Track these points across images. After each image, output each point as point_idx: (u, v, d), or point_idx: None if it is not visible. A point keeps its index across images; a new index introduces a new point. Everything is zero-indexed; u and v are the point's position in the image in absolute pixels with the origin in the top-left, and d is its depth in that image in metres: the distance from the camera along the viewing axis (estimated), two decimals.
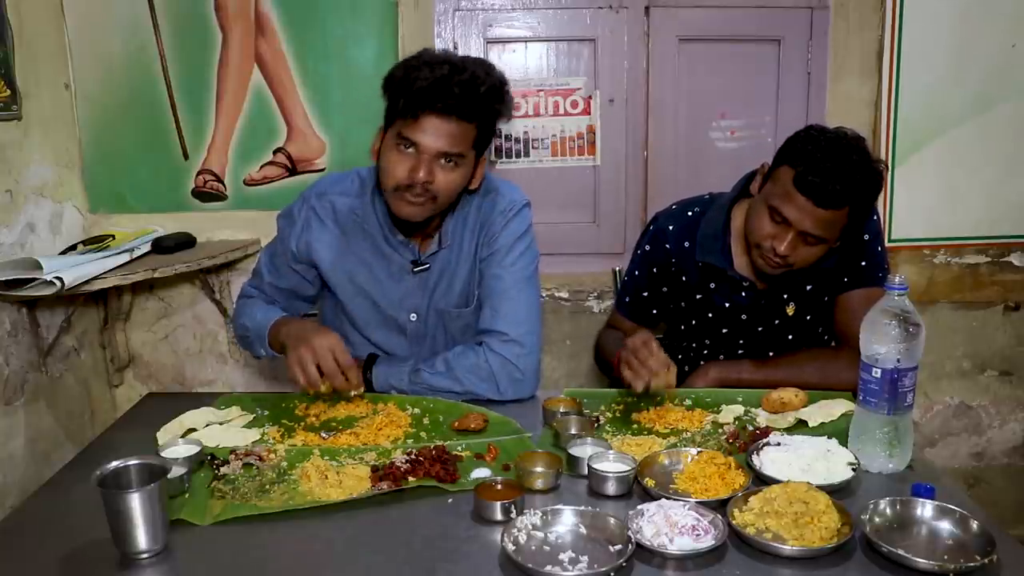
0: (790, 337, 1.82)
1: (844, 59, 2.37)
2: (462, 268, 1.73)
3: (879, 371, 1.29)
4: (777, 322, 1.80)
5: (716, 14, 2.36)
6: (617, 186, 2.43)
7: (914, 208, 2.44)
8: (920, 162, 2.41)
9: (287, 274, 1.78)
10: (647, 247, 1.86)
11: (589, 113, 2.40)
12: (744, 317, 1.81)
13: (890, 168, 2.40)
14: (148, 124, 2.30)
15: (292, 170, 2.35)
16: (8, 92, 1.96)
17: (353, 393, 1.57)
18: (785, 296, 1.78)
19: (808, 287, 1.76)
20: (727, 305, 1.80)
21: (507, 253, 1.70)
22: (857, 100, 2.39)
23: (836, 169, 1.53)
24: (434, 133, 1.51)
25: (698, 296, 1.83)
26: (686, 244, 1.81)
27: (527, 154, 2.40)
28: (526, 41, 2.36)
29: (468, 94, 1.50)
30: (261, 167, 2.35)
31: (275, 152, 2.34)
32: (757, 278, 1.76)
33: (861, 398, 1.34)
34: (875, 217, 1.75)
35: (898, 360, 1.28)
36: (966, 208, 2.46)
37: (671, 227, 1.83)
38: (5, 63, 1.95)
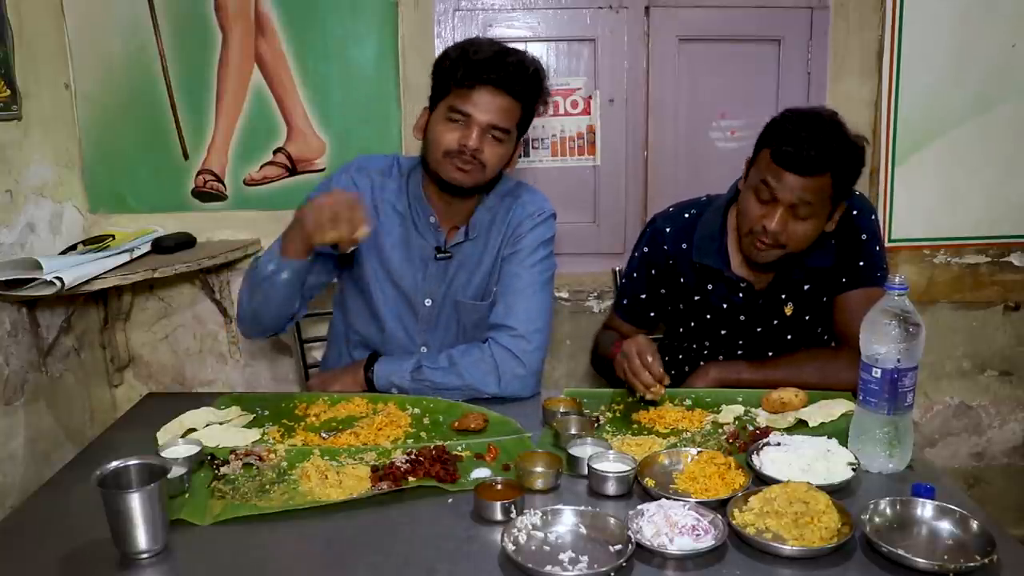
0: (789, 337, 1.82)
1: (844, 59, 2.37)
2: (484, 263, 1.78)
3: (879, 371, 1.29)
4: (776, 323, 1.80)
5: (716, 14, 2.36)
6: (617, 186, 2.43)
7: (914, 208, 2.44)
8: (920, 162, 2.41)
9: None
10: (645, 249, 1.87)
11: (589, 113, 2.40)
12: (742, 318, 1.81)
13: (890, 168, 2.40)
14: (148, 124, 2.30)
15: (292, 170, 2.35)
16: (8, 92, 1.96)
17: (360, 233, 1.50)
18: (783, 296, 1.78)
19: (806, 287, 1.76)
20: (725, 306, 1.81)
21: (529, 255, 1.75)
22: (857, 100, 2.39)
23: (810, 137, 1.56)
24: (486, 106, 1.62)
25: (696, 297, 1.83)
26: (683, 246, 1.81)
27: (527, 154, 2.40)
28: (526, 41, 2.36)
29: (519, 72, 1.64)
30: (261, 167, 2.35)
31: (275, 152, 2.34)
32: (752, 267, 1.75)
33: (861, 398, 1.34)
34: (872, 217, 1.75)
35: (898, 360, 1.28)
36: (966, 208, 2.46)
37: (668, 229, 1.84)
38: (5, 63, 1.95)
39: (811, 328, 1.82)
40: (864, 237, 1.73)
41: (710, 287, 1.81)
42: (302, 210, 1.54)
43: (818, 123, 1.59)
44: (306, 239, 1.54)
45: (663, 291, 1.87)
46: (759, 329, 1.81)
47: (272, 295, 1.64)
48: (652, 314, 1.90)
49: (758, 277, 1.77)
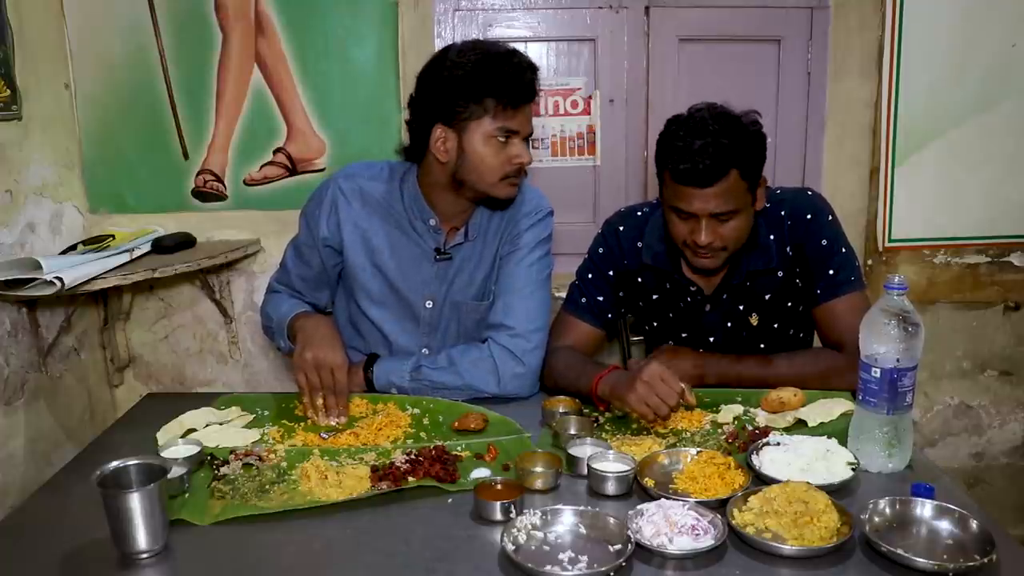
0: (762, 345, 1.80)
1: (844, 59, 2.37)
2: (484, 262, 1.77)
3: (878, 371, 1.29)
4: (744, 334, 1.79)
5: (716, 14, 2.36)
6: (617, 186, 2.43)
7: (914, 208, 2.44)
8: (920, 162, 2.41)
9: (314, 262, 1.80)
10: (600, 250, 1.84)
11: (589, 113, 2.40)
12: (701, 321, 1.80)
13: (890, 168, 2.40)
14: (148, 124, 2.30)
15: (292, 170, 2.35)
16: (8, 92, 1.96)
17: (333, 420, 1.56)
18: (741, 307, 1.77)
19: (767, 296, 1.75)
20: (682, 305, 1.80)
21: (528, 253, 1.75)
22: (857, 100, 2.39)
23: (701, 146, 1.53)
24: (527, 120, 1.65)
25: (655, 296, 1.83)
26: (638, 244, 1.80)
27: None
28: (526, 41, 2.36)
29: (536, 78, 1.65)
30: (261, 167, 2.35)
31: (275, 152, 2.34)
32: (699, 274, 1.74)
33: (861, 398, 1.34)
34: (830, 217, 1.72)
35: (897, 360, 1.28)
36: (966, 208, 2.46)
37: (621, 228, 1.83)
38: (5, 63, 1.95)
39: (782, 333, 1.80)
40: (825, 242, 1.69)
41: (668, 286, 1.80)
42: (301, 355, 1.58)
43: (703, 128, 1.55)
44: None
45: (622, 294, 1.85)
46: (721, 333, 1.80)
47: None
48: (610, 315, 1.85)
49: (707, 282, 1.76)
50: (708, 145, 1.53)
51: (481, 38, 2.31)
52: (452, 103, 1.59)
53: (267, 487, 1.29)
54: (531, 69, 1.63)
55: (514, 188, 1.68)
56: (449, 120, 1.61)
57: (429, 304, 1.78)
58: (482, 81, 1.57)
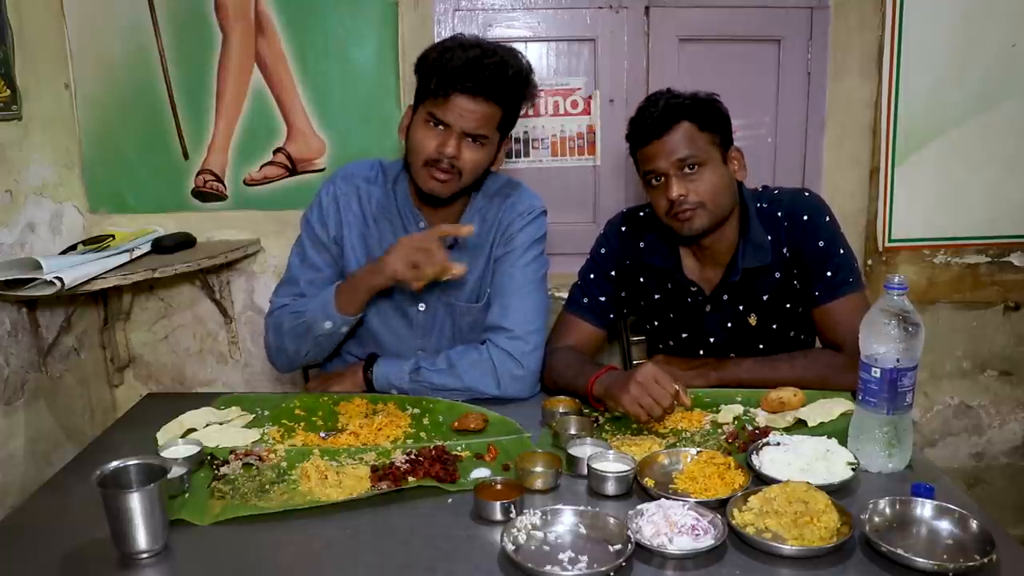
0: (761, 346, 1.81)
1: (844, 59, 2.37)
2: (476, 264, 1.77)
3: (878, 371, 1.29)
4: (743, 334, 1.79)
5: (716, 14, 2.36)
6: (617, 186, 2.43)
7: (914, 208, 2.43)
8: (920, 162, 2.41)
9: (324, 263, 1.79)
10: (602, 250, 1.85)
11: (589, 113, 2.40)
12: (701, 321, 1.80)
13: (890, 168, 2.40)
14: (148, 124, 2.30)
15: (292, 170, 2.35)
16: (8, 92, 1.96)
17: (454, 271, 1.57)
18: (741, 308, 1.77)
19: (765, 297, 1.75)
20: (682, 305, 1.80)
21: (522, 254, 1.75)
22: (857, 100, 2.39)
23: (651, 104, 1.67)
24: (462, 112, 1.59)
25: (656, 296, 1.83)
26: (641, 245, 1.81)
27: (527, 154, 2.40)
28: (526, 41, 2.36)
29: (497, 76, 1.59)
30: (261, 167, 2.35)
31: (275, 152, 2.34)
32: (700, 262, 1.77)
33: (860, 398, 1.34)
34: (827, 218, 1.72)
35: (897, 360, 1.28)
36: (966, 208, 2.45)
37: (624, 228, 1.84)
38: (5, 63, 1.95)
39: (782, 334, 1.80)
40: (822, 244, 1.69)
41: (669, 286, 1.80)
42: (383, 260, 1.60)
43: (652, 97, 1.70)
44: (384, 284, 1.63)
45: (624, 293, 1.85)
46: (721, 335, 1.80)
47: (328, 345, 1.76)
48: (612, 315, 1.86)
49: (706, 282, 1.77)
50: (657, 101, 1.66)
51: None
52: (418, 84, 1.66)
53: (267, 487, 1.29)
54: (486, 67, 1.57)
55: (438, 184, 1.64)
56: (414, 101, 1.67)
57: (421, 307, 1.78)
58: (430, 63, 1.61)
